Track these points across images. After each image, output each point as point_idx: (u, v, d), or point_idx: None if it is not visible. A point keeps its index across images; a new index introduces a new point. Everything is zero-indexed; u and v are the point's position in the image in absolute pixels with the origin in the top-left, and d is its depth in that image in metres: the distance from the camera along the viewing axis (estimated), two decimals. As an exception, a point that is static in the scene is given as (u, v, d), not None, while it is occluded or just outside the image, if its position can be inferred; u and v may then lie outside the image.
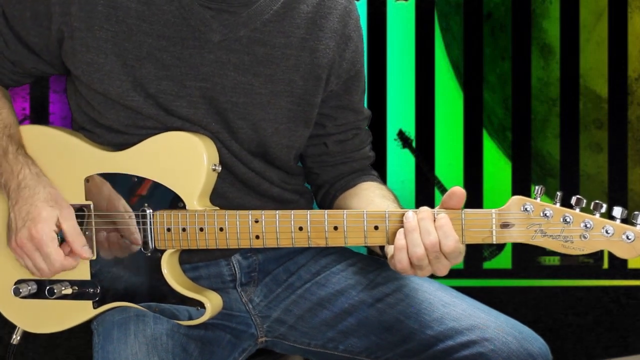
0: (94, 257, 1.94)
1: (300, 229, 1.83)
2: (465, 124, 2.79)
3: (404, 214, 1.77)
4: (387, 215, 1.80)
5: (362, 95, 2.16)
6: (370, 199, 2.02)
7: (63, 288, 1.96)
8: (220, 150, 1.96)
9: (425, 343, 1.95)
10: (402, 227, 1.77)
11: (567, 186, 2.79)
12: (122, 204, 1.93)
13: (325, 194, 2.17)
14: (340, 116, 2.12)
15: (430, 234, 1.74)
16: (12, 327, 2.08)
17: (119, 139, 1.97)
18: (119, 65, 1.91)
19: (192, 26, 1.92)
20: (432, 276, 1.83)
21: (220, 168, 1.93)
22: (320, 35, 2.01)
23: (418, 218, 1.76)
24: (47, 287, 1.95)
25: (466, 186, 2.79)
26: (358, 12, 2.11)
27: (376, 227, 1.81)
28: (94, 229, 1.95)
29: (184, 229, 1.89)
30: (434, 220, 1.75)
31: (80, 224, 1.93)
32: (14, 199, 1.91)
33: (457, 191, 1.75)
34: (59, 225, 1.89)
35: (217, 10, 1.93)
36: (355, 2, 2.12)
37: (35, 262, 1.88)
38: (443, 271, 1.78)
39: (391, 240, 1.79)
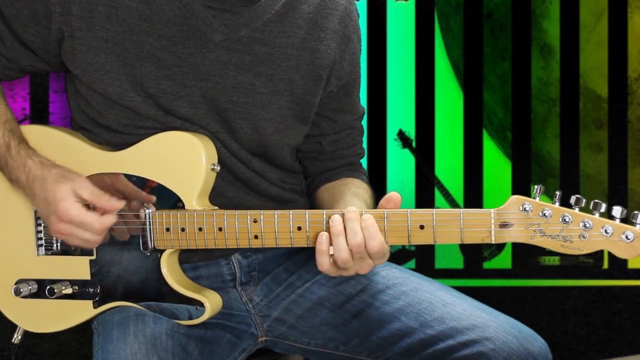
0: (123, 205, 1.91)
1: (299, 228, 1.83)
2: (465, 124, 2.79)
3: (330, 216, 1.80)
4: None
5: (359, 95, 2.17)
6: (342, 195, 2.03)
7: (63, 288, 1.96)
8: (219, 150, 1.96)
9: (425, 342, 1.95)
10: (324, 229, 1.81)
11: (567, 186, 2.79)
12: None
13: (310, 184, 2.20)
14: (339, 118, 2.13)
15: (357, 234, 1.76)
16: (13, 327, 2.08)
17: (117, 139, 1.97)
18: (119, 64, 1.91)
19: (193, 26, 1.92)
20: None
21: (219, 167, 1.93)
22: (321, 36, 2.01)
23: (345, 218, 1.78)
24: (48, 287, 1.95)
25: (466, 186, 2.79)
26: (358, 13, 2.11)
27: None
28: (93, 229, 1.95)
29: (182, 229, 1.89)
30: (360, 220, 1.78)
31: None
32: (30, 195, 1.92)
33: (394, 196, 1.80)
34: (79, 197, 1.88)
35: (218, 9, 1.93)
36: (355, 2, 2.12)
37: (79, 236, 1.87)
38: (366, 270, 1.81)
39: (312, 242, 1.82)
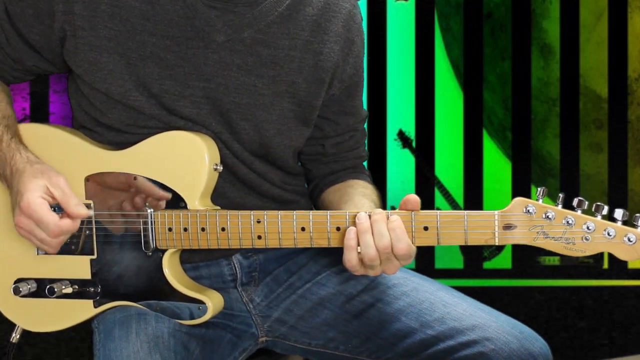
0: (92, 213, 1.91)
1: (303, 229, 1.83)
2: (465, 124, 2.79)
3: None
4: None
5: (361, 98, 2.17)
6: (350, 196, 2.03)
7: (63, 287, 1.96)
8: (221, 150, 1.96)
9: (426, 343, 1.95)
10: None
11: (567, 186, 2.80)
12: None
13: (314, 187, 2.19)
14: (342, 121, 2.13)
15: (383, 236, 1.76)
16: (11, 326, 2.07)
17: (119, 138, 1.97)
18: (122, 64, 1.91)
19: (196, 26, 1.92)
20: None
21: (221, 168, 1.93)
22: (324, 39, 2.01)
23: (371, 220, 1.78)
24: (47, 286, 1.95)
25: (466, 186, 2.80)
26: (361, 16, 2.11)
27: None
28: (94, 228, 1.95)
29: (185, 229, 1.89)
30: (387, 222, 1.77)
31: (81, 222, 1.92)
32: (10, 188, 1.91)
33: (411, 198, 1.78)
34: (50, 194, 1.86)
35: (222, 10, 1.93)
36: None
37: (35, 233, 1.86)
38: (393, 270, 1.81)
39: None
